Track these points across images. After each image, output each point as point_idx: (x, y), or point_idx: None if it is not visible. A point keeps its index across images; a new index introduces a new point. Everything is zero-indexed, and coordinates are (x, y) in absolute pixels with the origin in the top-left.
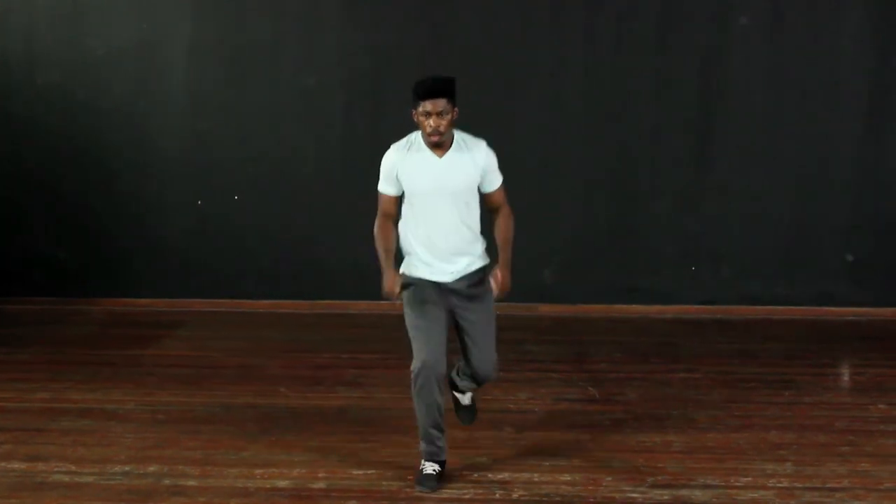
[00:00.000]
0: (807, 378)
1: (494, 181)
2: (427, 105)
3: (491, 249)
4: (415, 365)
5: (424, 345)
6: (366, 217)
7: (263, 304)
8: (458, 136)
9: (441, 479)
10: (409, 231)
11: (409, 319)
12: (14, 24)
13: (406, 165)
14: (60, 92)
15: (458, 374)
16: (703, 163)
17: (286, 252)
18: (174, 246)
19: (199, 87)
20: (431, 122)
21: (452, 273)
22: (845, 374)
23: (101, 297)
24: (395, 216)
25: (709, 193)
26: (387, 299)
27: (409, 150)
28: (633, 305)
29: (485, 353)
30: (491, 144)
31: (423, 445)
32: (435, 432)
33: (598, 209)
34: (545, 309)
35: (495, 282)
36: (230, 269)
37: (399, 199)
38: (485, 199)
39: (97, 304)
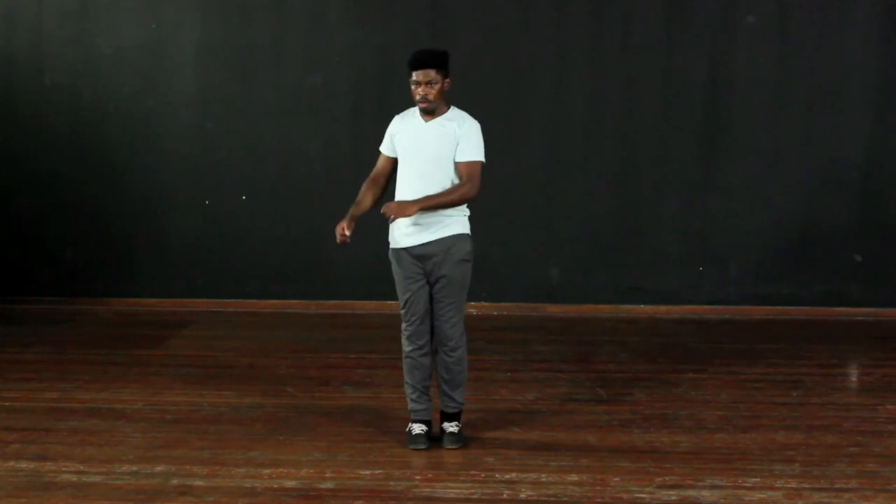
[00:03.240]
0: (815, 378)
1: (464, 152)
2: (418, 75)
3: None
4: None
5: None
6: (373, 216)
7: (271, 304)
8: (455, 111)
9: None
10: None
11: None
12: (22, 24)
13: (400, 129)
14: (68, 91)
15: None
16: (711, 162)
17: (293, 252)
18: (181, 246)
19: (206, 86)
20: (421, 90)
21: None
22: (854, 374)
23: (109, 297)
24: (384, 178)
25: (716, 193)
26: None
27: (407, 116)
28: (641, 305)
29: None
30: (498, 143)
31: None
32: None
33: (605, 209)
34: (552, 309)
35: None
36: (238, 269)
37: (392, 163)
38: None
39: (104, 304)
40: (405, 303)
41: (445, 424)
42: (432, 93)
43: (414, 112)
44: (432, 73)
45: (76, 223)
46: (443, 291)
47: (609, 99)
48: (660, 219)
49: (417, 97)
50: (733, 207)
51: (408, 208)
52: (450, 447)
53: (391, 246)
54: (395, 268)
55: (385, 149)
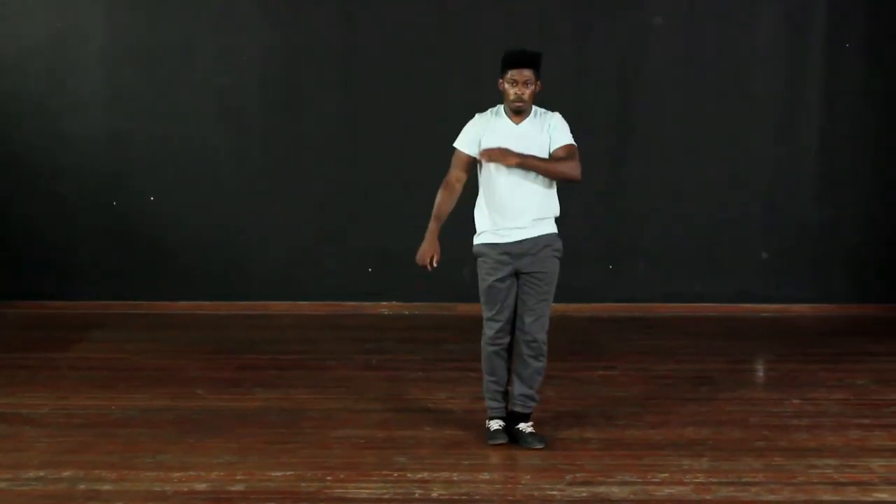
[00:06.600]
0: (723, 374)
1: (559, 139)
2: (515, 74)
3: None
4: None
5: None
6: (284, 216)
7: (182, 306)
8: (537, 109)
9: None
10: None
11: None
12: None
13: (487, 129)
14: None
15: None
16: (621, 161)
17: (205, 253)
18: (91, 247)
19: (114, 86)
20: (517, 89)
21: None
22: (760, 369)
23: (17, 300)
24: (462, 183)
25: (627, 191)
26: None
27: (492, 116)
28: (552, 303)
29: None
30: (410, 139)
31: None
32: None
33: None
34: (464, 308)
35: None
36: (148, 271)
37: (471, 163)
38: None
39: (12, 307)
40: (493, 299)
41: (523, 425)
42: (527, 93)
43: (498, 112)
44: (528, 73)
45: None
46: (535, 287)
47: None
48: (570, 217)
49: (512, 96)
50: (643, 206)
51: (509, 157)
52: (538, 446)
53: (481, 241)
54: (482, 263)
55: (467, 147)
